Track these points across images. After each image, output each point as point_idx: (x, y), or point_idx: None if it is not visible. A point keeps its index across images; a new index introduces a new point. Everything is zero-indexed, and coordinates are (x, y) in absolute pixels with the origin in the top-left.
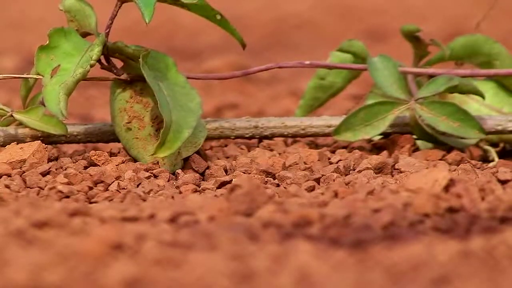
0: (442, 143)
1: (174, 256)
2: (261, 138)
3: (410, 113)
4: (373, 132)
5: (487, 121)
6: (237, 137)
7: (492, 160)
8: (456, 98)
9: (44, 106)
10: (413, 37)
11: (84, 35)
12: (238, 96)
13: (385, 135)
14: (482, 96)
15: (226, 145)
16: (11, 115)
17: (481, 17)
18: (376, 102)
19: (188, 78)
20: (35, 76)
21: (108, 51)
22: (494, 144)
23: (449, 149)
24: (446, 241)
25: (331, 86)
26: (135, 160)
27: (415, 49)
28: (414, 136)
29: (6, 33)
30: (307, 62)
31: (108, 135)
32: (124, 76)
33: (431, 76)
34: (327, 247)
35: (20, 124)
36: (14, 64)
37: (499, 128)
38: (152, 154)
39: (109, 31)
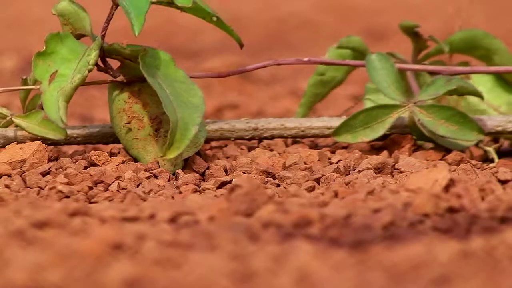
0: (441, 145)
1: (174, 256)
2: (260, 140)
3: (409, 115)
4: (373, 134)
5: (486, 122)
6: (236, 138)
7: (492, 160)
8: None
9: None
10: (412, 33)
11: (79, 37)
12: (238, 96)
13: (384, 136)
14: (481, 97)
15: (226, 145)
16: (11, 119)
17: (481, 16)
18: (376, 105)
19: None
20: (32, 87)
21: (105, 53)
22: (494, 140)
23: (449, 149)
24: (446, 241)
25: (331, 80)
26: (135, 160)
27: (414, 43)
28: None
29: (6, 33)
30: (306, 59)
31: (108, 137)
32: (120, 78)
33: (430, 71)
34: (327, 247)
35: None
36: (14, 64)
37: (499, 129)
38: (162, 156)
39: (105, 34)
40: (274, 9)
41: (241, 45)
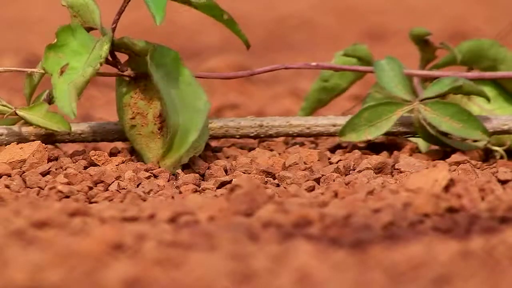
0: (447, 145)
1: (174, 256)
2: (266, 137)
3: (414, 113)
4: (377, 132)
5: (492, 121)
6: (242, 136)
7: (502, 157)
8: (457, 100)
9: (48, 103)
10: (421, 41)
11: (88, 29)
12: (239, 96)
13: (389, 134)
14: (487, 98)
15: (226, 146)
16: (15, 112)
17: (482, 18)
18: (380, 102)
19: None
20: (37, 70)
21: (114, 47)
22: (499, 145)
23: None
24: (446, 241)
25: (335, 88)
26: (138, 154)
27: (422, 52)
28: (413, 139)
29: (6, 33)
30: (313, 64)
31: (113, 134)
32: (128, 72)
33: (437, 77)
34: (327, 247)
35: (25, 123)
36: (14, 64)
37: (505, 127)
38: (159, 162)
39: (115, 27)
40: (274, 9)
41: (248, 46)
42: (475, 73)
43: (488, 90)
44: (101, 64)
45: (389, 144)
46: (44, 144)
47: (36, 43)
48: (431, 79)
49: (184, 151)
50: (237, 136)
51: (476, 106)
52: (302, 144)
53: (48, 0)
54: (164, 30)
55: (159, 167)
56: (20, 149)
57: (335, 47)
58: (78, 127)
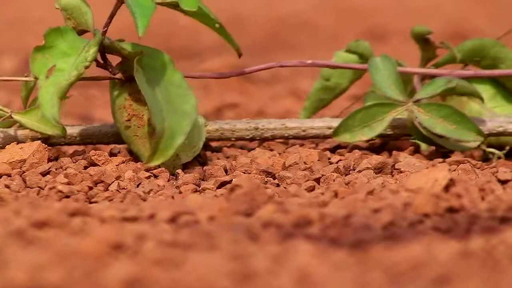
0: (441, 146)
1: (174, 256)
2: (262, 140)
3: (408, 115)
4: (371, 133)
5: (487, 123)
6: (237, 138)
7: (500, 157)
8: (457, 98)
9: None
10: (422, 39)
11: (82, 32)
12: (238, 96)
13: (385, 136)
14: (481, 98)
15: (225, 146)
16: (10, 116)
17: (483, 18)
18: (374, 103)
19: (186, 77)
20: (29, 79)
21: (106, 50)
22: (499, 147)
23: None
24: (446, 241)
25: (336, 87)
26: (135, 156)
27: (422, 51)
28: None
29: (6, 33)
30: (309, 62)
31: (109, 137)
32: (119, 76)
33: (434, 75)
34: (327, 247)
35: (21, 125)
36: (13, 64)
37: (500, 129)
38: (146, 163)
39: (106, 30)
40: (274, 9)
41: (239, 54)
42: (471, 72)
43: (487, 89)
44: (86, 67)
45: (389, 144)
46: (44, 144)
47: (35, 44)
48: (430, 77)
49: (171, 154)
50: (233, 139)
51: (476, 103)
52: (302, 144)
53: (48, 0)
54: (164, 30)
55: (159, 167)
56: (20, 149)
57: (335, 47)
58: (73, 130)
